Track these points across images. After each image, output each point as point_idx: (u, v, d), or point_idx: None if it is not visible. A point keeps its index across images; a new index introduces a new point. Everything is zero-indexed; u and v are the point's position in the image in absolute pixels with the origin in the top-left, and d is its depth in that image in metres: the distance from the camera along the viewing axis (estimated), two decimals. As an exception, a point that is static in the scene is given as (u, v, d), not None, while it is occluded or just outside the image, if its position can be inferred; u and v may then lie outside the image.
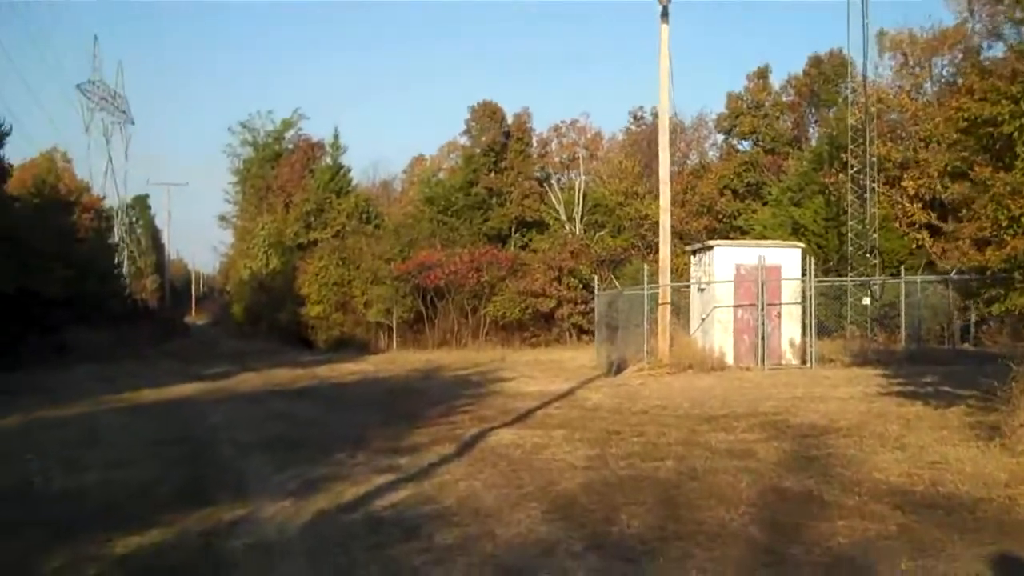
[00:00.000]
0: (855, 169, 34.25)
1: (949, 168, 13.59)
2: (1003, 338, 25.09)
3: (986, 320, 26.46)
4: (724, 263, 25.11)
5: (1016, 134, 11.53)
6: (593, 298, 37.50)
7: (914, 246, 34.91)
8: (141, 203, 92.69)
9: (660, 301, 25.17)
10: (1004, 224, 11.20)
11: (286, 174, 60.41)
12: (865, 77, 35.41)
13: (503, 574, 6.83)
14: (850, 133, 35.07)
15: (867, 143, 33.28)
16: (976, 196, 12.18)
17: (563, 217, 51.80)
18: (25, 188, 54.09)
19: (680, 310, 26.85)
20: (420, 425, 15.21)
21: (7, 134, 39.58)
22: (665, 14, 25.68)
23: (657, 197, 48.80)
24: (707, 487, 9.37)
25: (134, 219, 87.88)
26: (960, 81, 37.66)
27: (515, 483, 9.95)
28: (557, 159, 59.57)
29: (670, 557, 7.04)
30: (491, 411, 16.97)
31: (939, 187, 34.26)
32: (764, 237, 36.70)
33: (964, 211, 13.24)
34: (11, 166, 42.75)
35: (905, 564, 6.62)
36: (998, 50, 33.58)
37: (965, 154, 13.31)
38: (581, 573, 6.76)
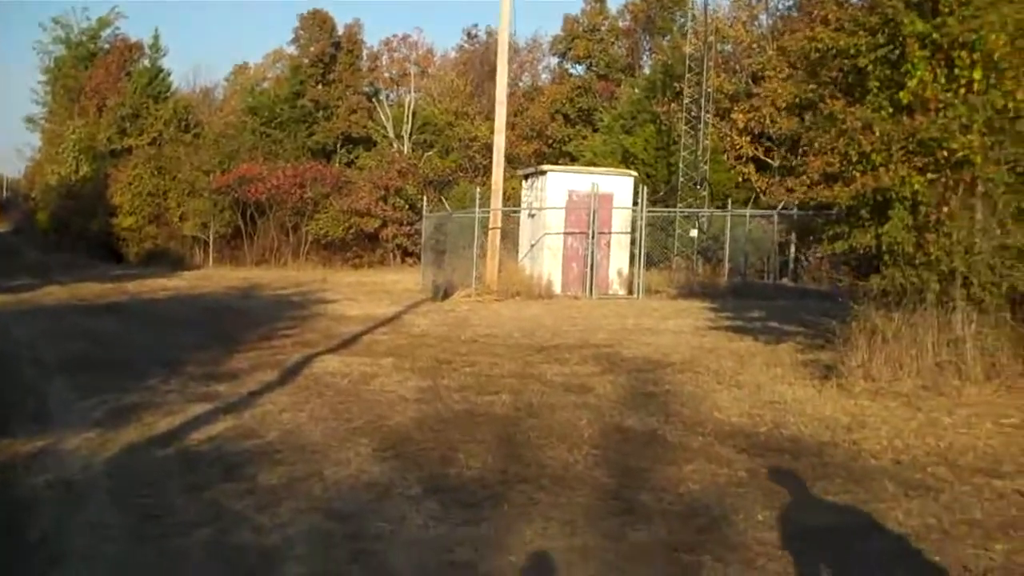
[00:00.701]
0: (688, 99, 34.33)
1: (799, 100, 13.33)
2: (821, 274, 25.65)
3: (806, 257, 26.97)
4: (557, 189, 24.69)
5: (871, 67, 11.28)
6: (420, 220, 36.84)
7: (740, 179, 35.30)
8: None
9: (491, 226, 24.65)
10: (854, 160, 10.97)
11: (101, 75, 57.14)
12: (706, 5, 35.42)
13: (334, 521, 6.19)
14: (688, 62, 35.08)
15: (704, 73, 33.33)
16: (823, 130, 11.87)
17: (391, 135, 50.74)
18: None
19: (509, 236, 26.40)
20: (239, 349, 14.37)
21: None
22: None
23: (488, 118, 48.62)
24: (546, 425, 8.92)
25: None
26: (794, 13, 38.30)
27: (343, 416, 9.33)
28: (387, 74, 58.29)
29: (514, 503, 6.55)
30: (314, 335, 16.23)
31: (768, 121, 34.59)
32: (594, 164, 36.50)
33: (810, 145, 12.92)
34: None
35: (761, 515, 6.27)
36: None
37: (813, 86, 12.97)
38: (419, 520, 6.18)
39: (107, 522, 6.23)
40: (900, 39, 11.01)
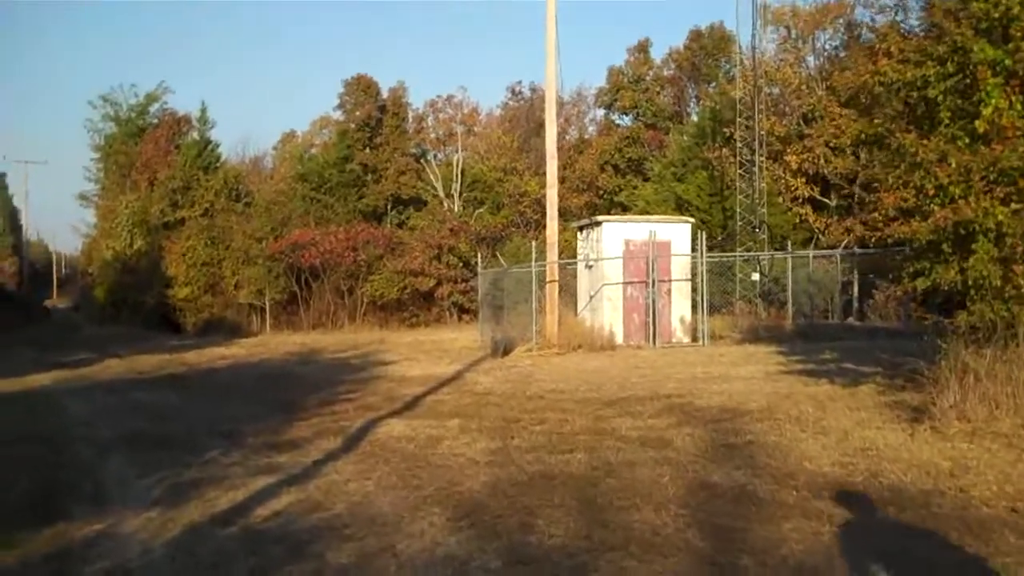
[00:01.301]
0: (740, 143, 33.94)
1: (863, 136, 12.92)
2: (889, 312, 25.00)
3: (871, 295, 26.33)
4: (613, 239, 24.31)
5: (940, 97, 10.85)
6: (474, 276, 36.64)
7: (797, 221, 34.78)
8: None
9: (548, 279, 24.27)
10: (931, 193, 10.50)
11: (151, 150, 57.77)
12: (755, 48, 35.09)
13: (412, 602, 5.78)
14: (738, 106, 34.73)
15: (756, 116, 32.93)
16: (893, 165, 11.42)
17: (441, 194, 50.76)
18: None
19: (566, 288, 26.01)
20: (300, 416, 14.02)
21: None
22: (551, -22, 24.73)
23: (536, 173, 48.71)
24: (627, 484, 8.44)
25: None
26: (844, 53, 37.91)
27: (412, 484, 8.89)
28: (433, 135, 58.50)
29: (604, 573, 6.08)
30: (376, 398, 15.85)
31: (822, 161, 34.13)
32: (647, 213, 36.18)
33: (881, 181, 12.43)
34: None
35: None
36: (880, 21, 33.58)
37: (878, 121, 12.55)
38: (502, 598, 5.75)
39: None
40: (971, 67, 10.59)
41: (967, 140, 10.46)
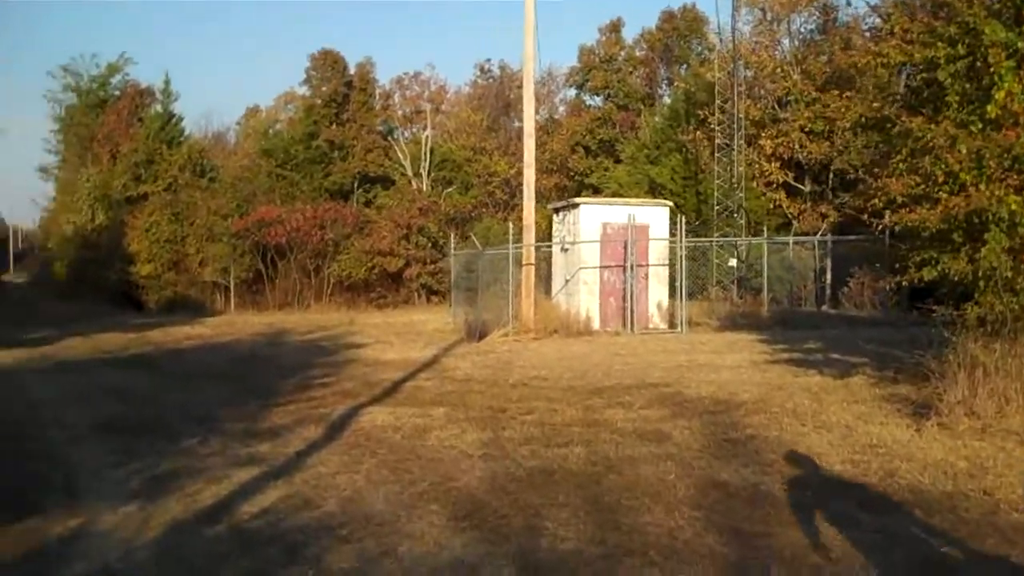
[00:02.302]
0: (716, 126, 33.65)
1: (863, 119, 12.55)
2: (864, 301, 24.82)
3: (845, 282, 26.14)
4: (590, 222, 23.91)
5: (949, 80, 10.49)
6: (443, 257, 36.20)
7: (771, 206, 34.55)
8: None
9: (524, 262, 23.82)
10: (940, 180, 10.15)
11: (112, 122, 56.61)
12: (734, 30, 34.77)
13: (422, 615, 5.35)
14: (716, 88, 34.42)
15: (735, 99, 32.62)
16: (896, 150, 11.07)
17: (409, 172, 50.11)
18: None
19: (538, 271, 25.57)
20: (276, 402, 13.50)
21: None
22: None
23: (506, 153, 48.25)
24: (632, 482, 8.07)
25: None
26: (818, 37, 37.67)
27: (405, 478, 8.46)
28: (401, 112, 57.61)
29: (625, 583, 5.68)
30: (353, 383, 15.37)
31: (797, 146, 33.89)
32: (620, 195, 35.82)
33: (882, 166, 12.09)
34: None
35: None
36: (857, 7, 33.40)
37: (876, 104, 12.19)
38: (520, 611, 5.33)
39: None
40: (982, 49, 10.23)
41: (980, 125, 10.11)
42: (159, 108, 55.46)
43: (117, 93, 60.96)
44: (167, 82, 55.86)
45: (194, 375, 18.20)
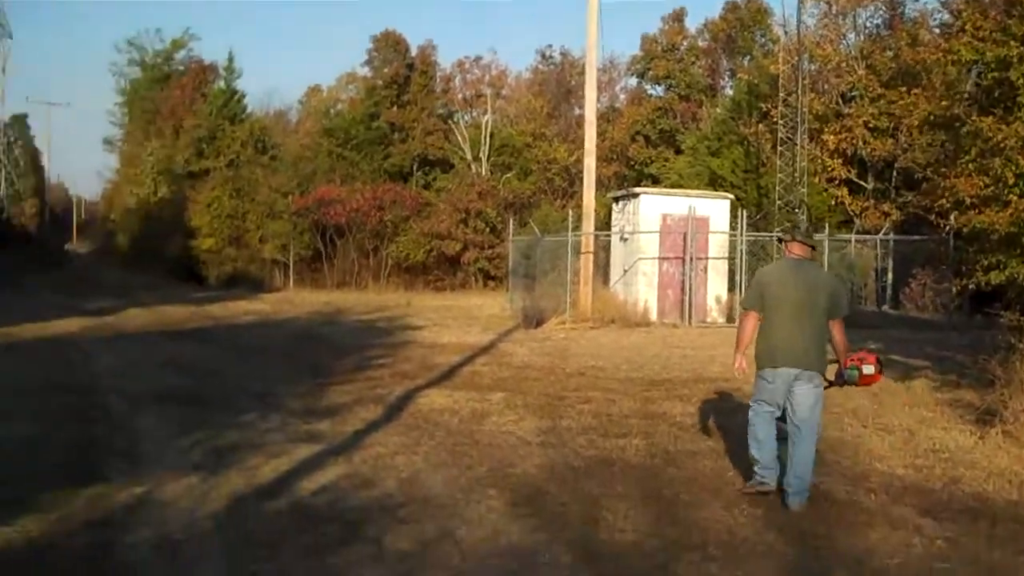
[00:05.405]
0: (782, 119, 33.32)
1: (931, 117, 12.43)
2: (926, 302, 24.51)
3: (907, 283, 25.81)
4: (650, 212, 23.83)
5: (1022, 80, 10.32)
6: (500, 243, 36.19)
7: (832, 202, 34.13)
8: (20, 122, 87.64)
9: (583, 250, 23.80)
10: (1011, 182, 9.99)
11: (176, 97, 57.29)
12: (799, 23, 34.38)
13: (483, 602, 5.38)
14: (780, 80, 34.08)
15: (800, 92, 32.27)
16: (964, 150, 10.92)
17: (468, 156, 50.05)
18: None
19: (596, 261, 25.50)
20: (334, 381, 13.62)
21: None
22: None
23: (565, 140, 48.06)
24: (690, 476, 8.08)
25: (12, 138, 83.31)
26: (884, 32, 37.15)
27: (463, 462, 8.51)
28: (461, 96, 57.56)
29: (686, 578, 5.67)
30: (410, 365, 15.44)
31: (860, 143, 33.48)
32: (679, 186, 35.56)
33: (950, 166, 11.92)
34: None
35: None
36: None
37: (945, 102, 12.03)
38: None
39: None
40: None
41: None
42: (222, 84, 55.87)
43: (181, 68, 61.73)
44: (231, 59, 56.30)
45: (253, 350, 18.42)
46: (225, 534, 6.51)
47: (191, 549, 6.18)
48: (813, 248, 7.79)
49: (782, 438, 7.42)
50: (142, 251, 54.98)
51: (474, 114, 56.49)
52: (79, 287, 39.39)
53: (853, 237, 27.13)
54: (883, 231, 28.52)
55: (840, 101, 36.07)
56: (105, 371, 14.94)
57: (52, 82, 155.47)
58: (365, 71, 58.24)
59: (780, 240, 7.95)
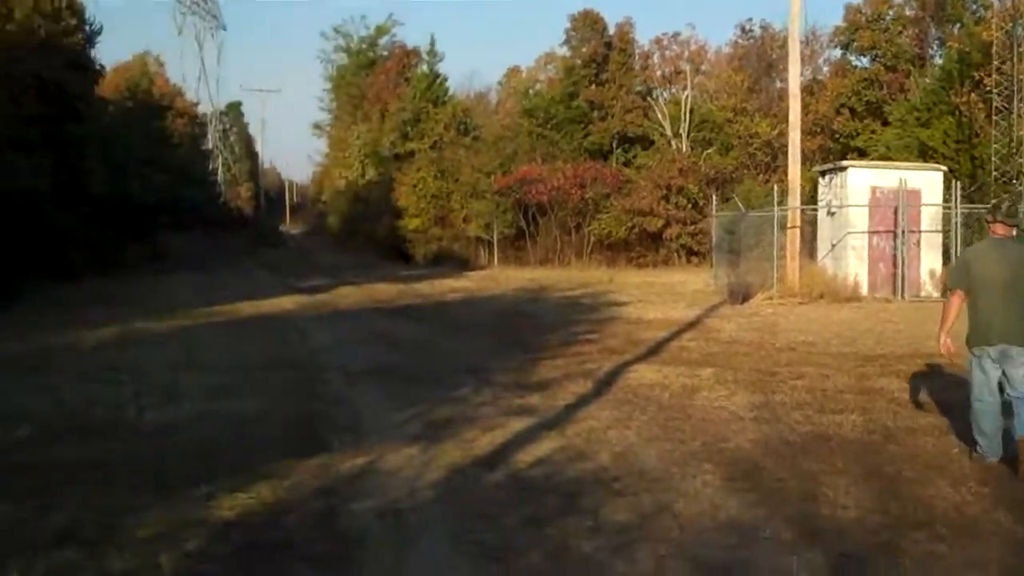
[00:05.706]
0: (997, 88, 31.84)
1: None
2: None
3: None
4: (859, 185, 23.23)
5: None
6: (703, 218, 35.82)
7: (1050, 174, 32.46)
8: (234, 110, 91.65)
9: (790, 225, 23.36)
10: None
11: (381, 82, 58.76)
12: (1011, -12, 32.77)
13: (705, 573, 5.37)
14: (994, 48, 32.57)
15: (1015, 60, 30.79)
16: None
17: (668, 133, 49.63)
18: (118, 91, 53.53)
19: (803, 235, 24.96)
20: (542, 356, 13.82)
21: (98, 34, 38.67)
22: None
23: (767, 114, 47.14)
24: (911, 453, 7.85)
25: (228, 125, 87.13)
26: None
27: (676, 436, 8.50)
28: (660, 73, 57.03)
29: (912, 557, 5.50)
30: (616, 341, 15.49)
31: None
32: (887, 159, 34.40)
33: None
34: (103, 68, 41.59)
35: None
36: None
37: None
38: (806, 577, 5.26)
39: (452, 563, 5.63)
40: None
41: None
42: (425, 68, 57.02)
43: (385, 54, 63.21)
44: (432, 43, 57.50)
45: (461, 327, 18.79)
46: (446, 504, 6.70)
47: (414, 517, 6.37)
48: (1017, 227, 7.68)
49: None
50: (352, 231, 56.68)
51: (673, 90, 55.84)
52: (293, 267, 40.98)
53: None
54: None
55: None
56: (320, 347, 15.54)
57: (263, 70, 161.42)
58: (563, 51, 58.37)
59: (986, 220, 7.90)
